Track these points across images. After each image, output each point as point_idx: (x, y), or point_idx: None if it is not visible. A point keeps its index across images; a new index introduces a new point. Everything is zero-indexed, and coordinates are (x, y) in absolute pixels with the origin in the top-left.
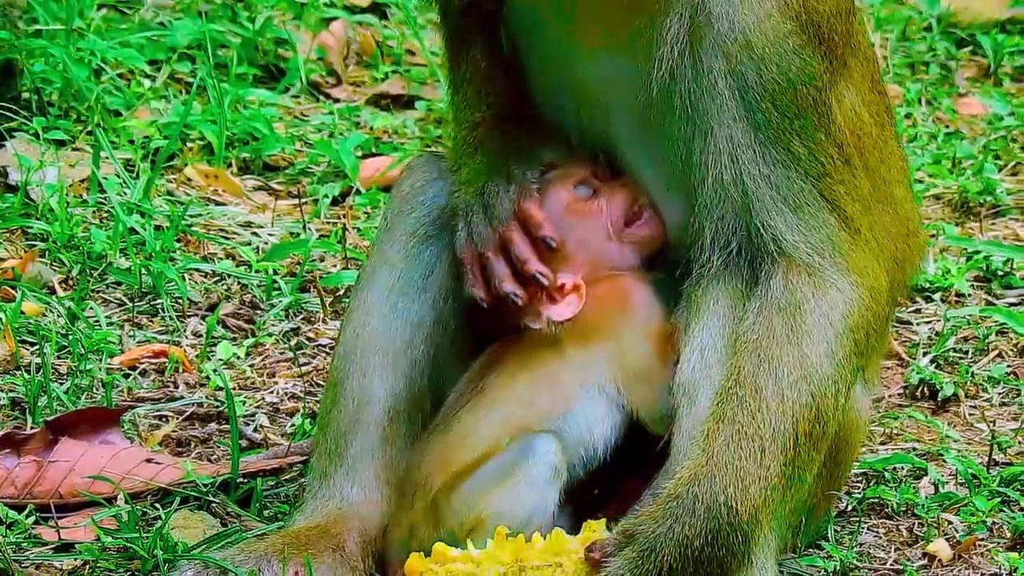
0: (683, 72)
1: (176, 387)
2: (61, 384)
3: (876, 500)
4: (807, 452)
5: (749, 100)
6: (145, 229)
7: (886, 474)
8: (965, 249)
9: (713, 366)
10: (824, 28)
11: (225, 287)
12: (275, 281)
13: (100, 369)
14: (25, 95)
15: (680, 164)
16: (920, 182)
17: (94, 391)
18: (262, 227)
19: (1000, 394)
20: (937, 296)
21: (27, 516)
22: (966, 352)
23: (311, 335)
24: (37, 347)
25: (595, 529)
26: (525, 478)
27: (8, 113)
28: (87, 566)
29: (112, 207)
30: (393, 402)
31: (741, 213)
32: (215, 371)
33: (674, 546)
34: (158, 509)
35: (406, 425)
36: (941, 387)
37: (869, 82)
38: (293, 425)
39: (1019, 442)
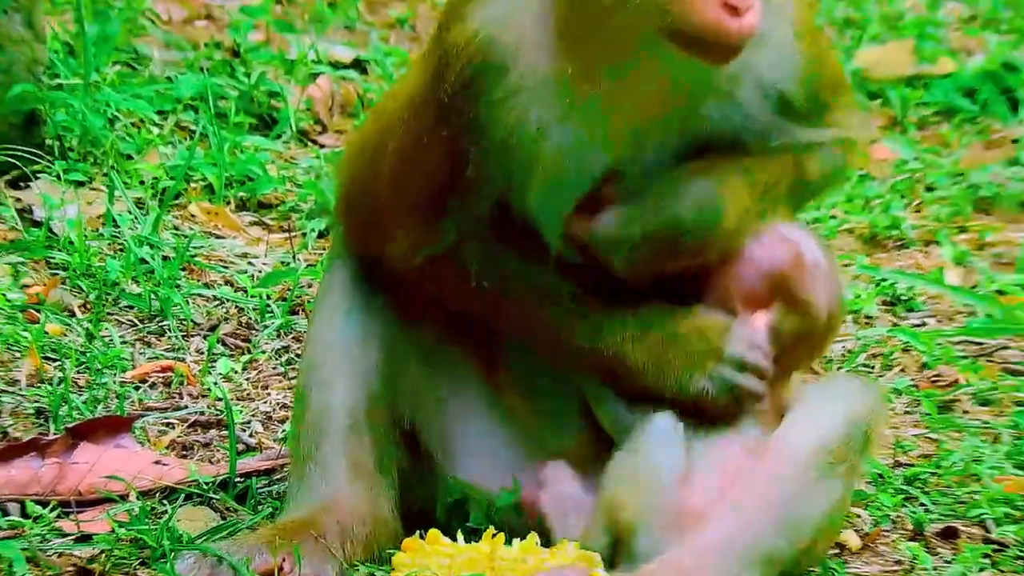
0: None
1: (181, 398)
2: (80, 395)
3: None
4: None
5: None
6: (154, 259)
7: None
8: (874, 277)
9: None
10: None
11: (224, 310)
12: (268, 305)
13: (114, 382)
14: (48, 141)
15: None
16: (834, 217)
17: (109, 402)
18: (257, 257)
19: (903, 404)
20: (849, 318)
21: (51, 511)
22: (874, 367)
23: (299, 352)
24: (59, 363)
25: (565, 546)
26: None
27: (33, 157)
28: (103, 554)
29: (125, 240)
30: (353, 407)
31: None
32: (215, 384)
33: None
34: (165, 505)
35: (367, 426)
36: None
37: None
38: (284, 431)
39: (919, 446)
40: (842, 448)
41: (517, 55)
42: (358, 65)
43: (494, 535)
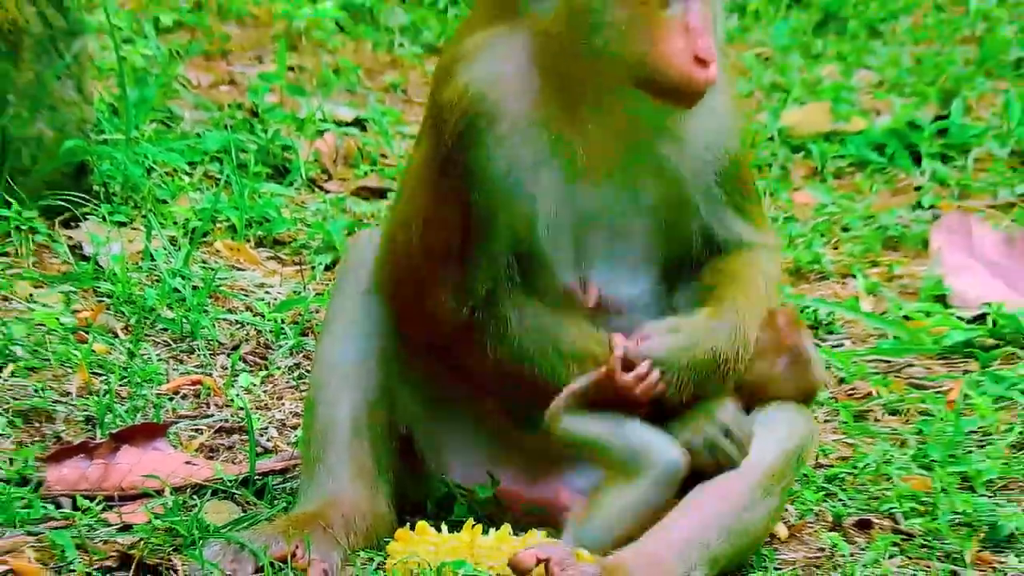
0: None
1: (208, 407)
2: (122, 405)
3: None
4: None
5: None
6: (185, 289)
7: None
8: (799, 305)
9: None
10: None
11: (245, 332)
12: (282, 328)
13: (151, 394)
14: (95, 188)
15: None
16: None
17: (147, 411)
18: (272, 287)
19: (824, 413)
20: None
21: (97, 504)
22: None
23: (309, 368)
24: (104, 377)
25: (534, 534)
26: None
27: (82, 202)
28: (141, 542)
29: (160, 272)
30: (355, 418)
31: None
32: (237, 395)
33: (701, 346)
34: (195, 499)
35: (368, 433)
36: None
37: None
38: (296, 436)
39: (838, 450)
40: (782, 470)
41: (504, 105)
42: (358, 123)
43: (473, 526)
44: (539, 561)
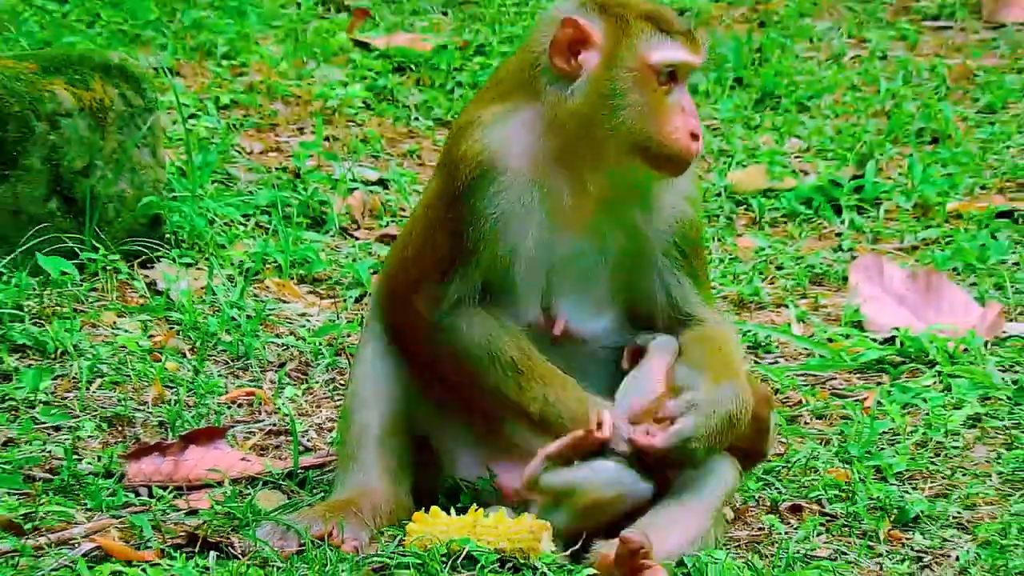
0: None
1: (259, 414)
2: (189, 412)
3: None
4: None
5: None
6: (240, 317)
7: None
8: (742, 329)
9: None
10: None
11: (289, 353)
12: (320, 349)
13: (212, 403)
14: (167, 235)
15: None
16: (715, 287)
17: (209, 417)
18: (312, 316)
19: None
20: None
21: (169, 493)
22: None
23: (343, 382)
24: (174, 389)
25: (524, 518)
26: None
27: (156, 246)
28: (205, 523)
29: (220, 304)
30: (384, 424)
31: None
32: (283, 404)
33: (718, 416)
34: (248, 489)
35: (393, 438)
36: None
37: None
38: (331, 438)
39: (775, 448)
40: (728, 495)
41: (507, 164)
42: (381, 183)
43: (476, 510)
44: (641, 547)
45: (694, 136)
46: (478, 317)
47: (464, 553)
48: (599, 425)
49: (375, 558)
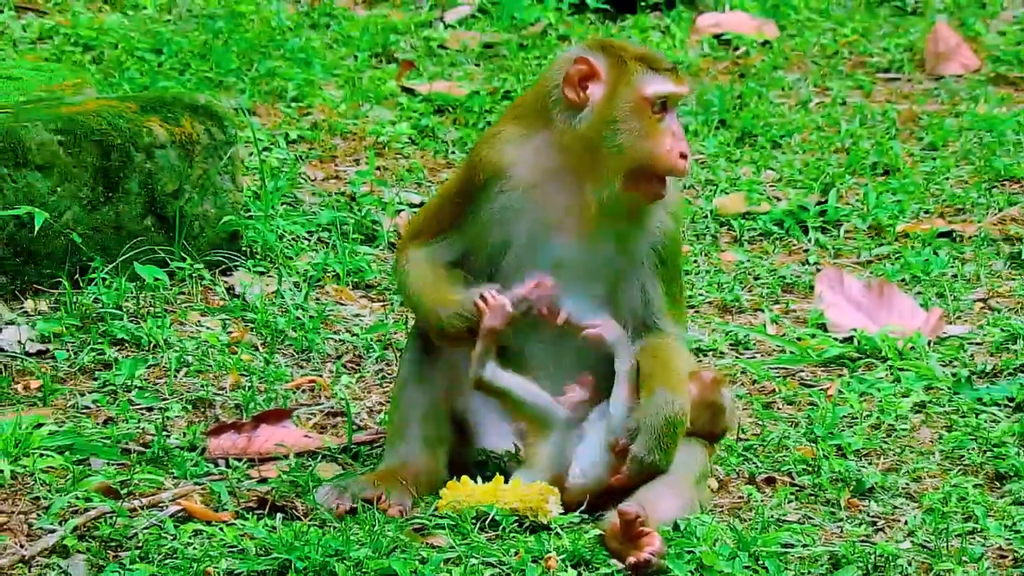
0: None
1: (320, 398)
2: (260, 397)
3: None
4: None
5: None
6: (304, 317)
7: None
8: (724, 329)
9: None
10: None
11: (345, 347)
12: (371, 344)
13: (280, 389)
14: (244, 248)
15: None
16: (702, 294)
17: (277, 401)
18: (364, 316)
19: (743, 404)
20: (710, 353)
21: (243, 464)
22: (725, 383)
23: (390, 372)
24: (248, 378)
25: (539, 484)
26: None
27: (235, 257)
28: (273, 490)
29: (287, 306)
30: (426, 408)
31: (644, 310)
32: (340, 390)
33: (658, 426)
34: (310, 461)
35: (435, 416)
36: None
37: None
38: (380, 418)
39: (752, 429)
40: (702, 466)
41: (517, 172)
42: (423, 205)
43: (498, 478)
44: (638, 516)
45: (683, 156)
46: (417, 252)
47: (490, 518)
48: (485, 311)
49: (416, 520)
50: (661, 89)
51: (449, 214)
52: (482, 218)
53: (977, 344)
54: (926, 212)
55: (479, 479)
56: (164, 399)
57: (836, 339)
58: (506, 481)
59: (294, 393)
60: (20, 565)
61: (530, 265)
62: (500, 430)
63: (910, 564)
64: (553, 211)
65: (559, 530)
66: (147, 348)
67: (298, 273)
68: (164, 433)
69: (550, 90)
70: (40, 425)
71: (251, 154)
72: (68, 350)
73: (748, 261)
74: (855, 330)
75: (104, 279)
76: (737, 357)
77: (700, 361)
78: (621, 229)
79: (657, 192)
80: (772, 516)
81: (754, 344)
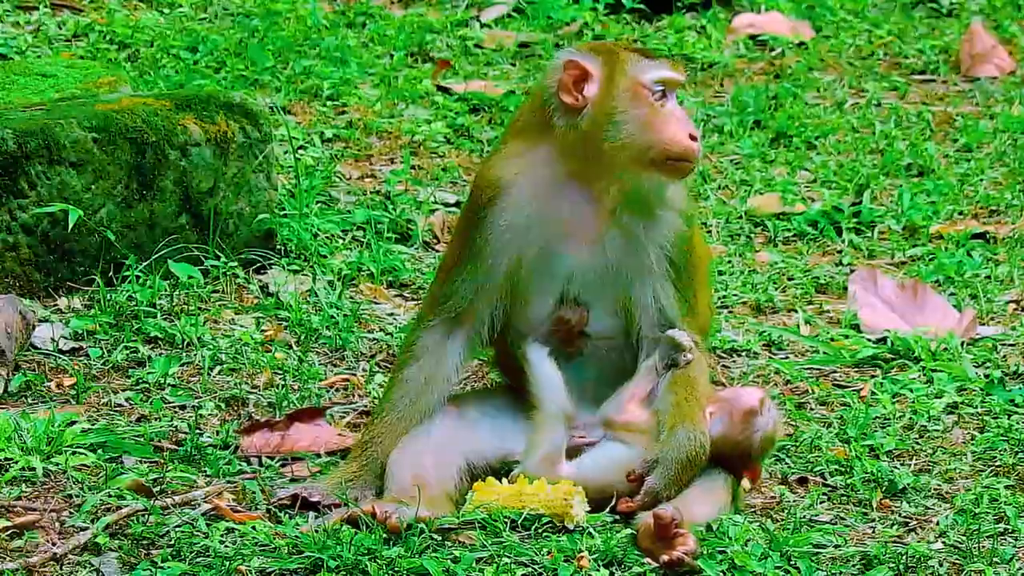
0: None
1: (353, 397)
2: (294, 395)
3: None
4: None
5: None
6: (338, 316)
7: None
8: (758, 330)
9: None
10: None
11: (379, 345)
12: None
13: (314, 387)
14: (278, 246)
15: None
16: (736, 295)
17: (311, 399)
18: (398, 315)
19: (777, 404)
20: (744, 354)
21: (276, 462)
22: (759, 382)
23: None
24: (282, 376)
25: (561, 483)
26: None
27: (269, 255)
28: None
29: (322, 304)
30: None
31: (658, 317)
32: (374, 389)
33: (679, 462)
34: (343, 460)
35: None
36: None
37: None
38: None
39: (785, 429)
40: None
41: (520, 185)
42: (458, 205)
43: (522, 479)
44: (673, 519)
45: (692, 137)
46: (426, 340)
47: (522, 518)
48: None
49: (447, 519)
50: (658, 74)
51: (458, 245)
52: (490, 238)
53: (1010, 345)
54: (960, 213)
55: (505, 480)
56: (197, 397)
57: (869, 340)
58: (531, 482)
59: (327, 392)
60: (52, 563)
61: (543, 279)
62: (519, 435)
63: (941, 565)
64: (561, 222)
65: (591, 529)
66: (180, 346)
67: (332, 272)
68: (197, 431)
69: (546, 100)
70: (73, 422)
71: (286, 152)
72: (102, 348)
73: (782, 261)
74: (888, 331)
75: (138, 277)
76: (770, 357)
77: (734, 361)
78: (631, 234)
79: (682, 169)
80: (804, 516)
81: (787, 344)
